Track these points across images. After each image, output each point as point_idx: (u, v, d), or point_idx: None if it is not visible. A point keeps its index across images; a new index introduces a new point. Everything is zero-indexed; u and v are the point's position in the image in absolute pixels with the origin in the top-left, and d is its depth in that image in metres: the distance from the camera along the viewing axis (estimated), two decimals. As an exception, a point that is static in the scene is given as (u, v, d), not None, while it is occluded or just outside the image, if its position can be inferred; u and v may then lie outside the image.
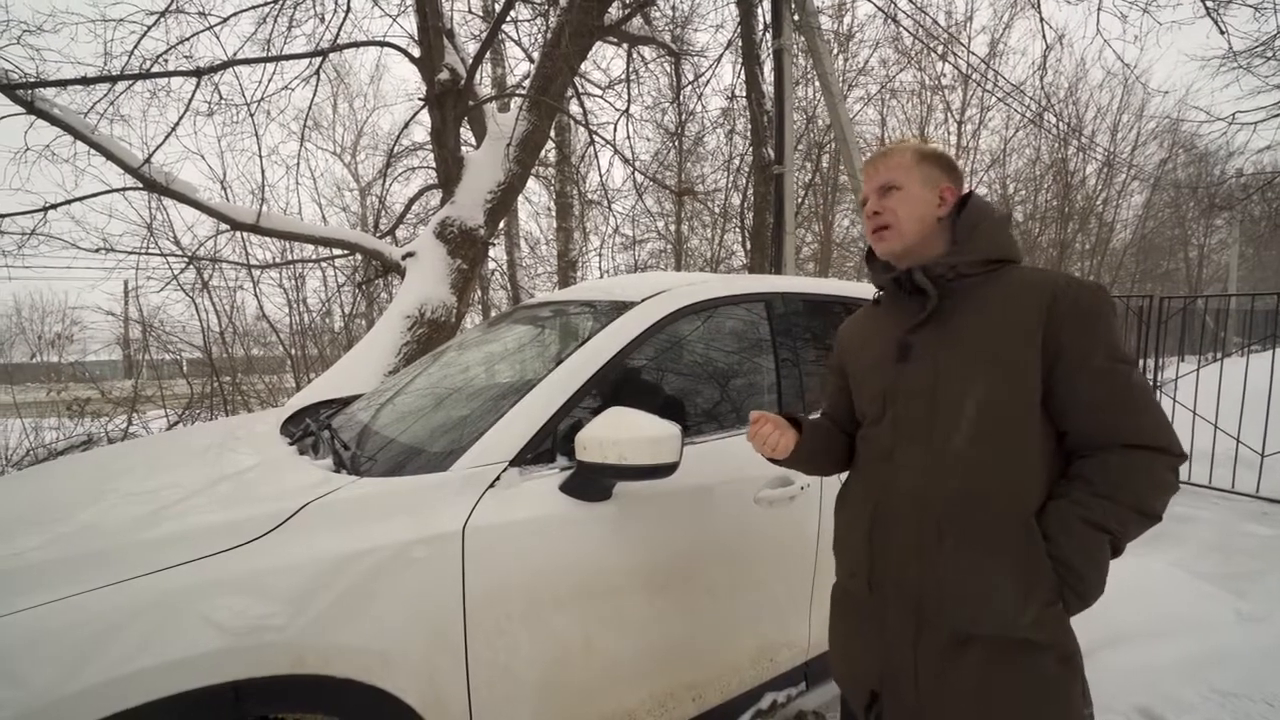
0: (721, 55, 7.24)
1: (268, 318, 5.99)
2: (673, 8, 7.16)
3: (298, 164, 5.59)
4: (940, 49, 8.00)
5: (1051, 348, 0.93)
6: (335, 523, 1.13)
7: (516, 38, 6.92)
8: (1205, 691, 2.05)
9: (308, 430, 1.74)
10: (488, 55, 5.77)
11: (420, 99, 4.78)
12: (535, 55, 7.24)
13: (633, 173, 7.01)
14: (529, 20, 6.42)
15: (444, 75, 4.50)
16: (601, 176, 6.74)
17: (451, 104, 4.64)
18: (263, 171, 4.25)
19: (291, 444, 1.59)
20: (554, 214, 9.64)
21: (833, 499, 1.69)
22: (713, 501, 1.52)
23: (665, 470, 1.25)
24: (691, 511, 1.48)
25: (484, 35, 7.87)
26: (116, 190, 4.36)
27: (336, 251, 6.44)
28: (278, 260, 6.34)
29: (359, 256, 6.12)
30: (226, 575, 1.02)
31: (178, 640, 0.95)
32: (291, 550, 1.07)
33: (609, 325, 1.57)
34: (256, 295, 5.62)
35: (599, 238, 9.07)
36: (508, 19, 5.13)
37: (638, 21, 6.25)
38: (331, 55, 5.01)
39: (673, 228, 11.24)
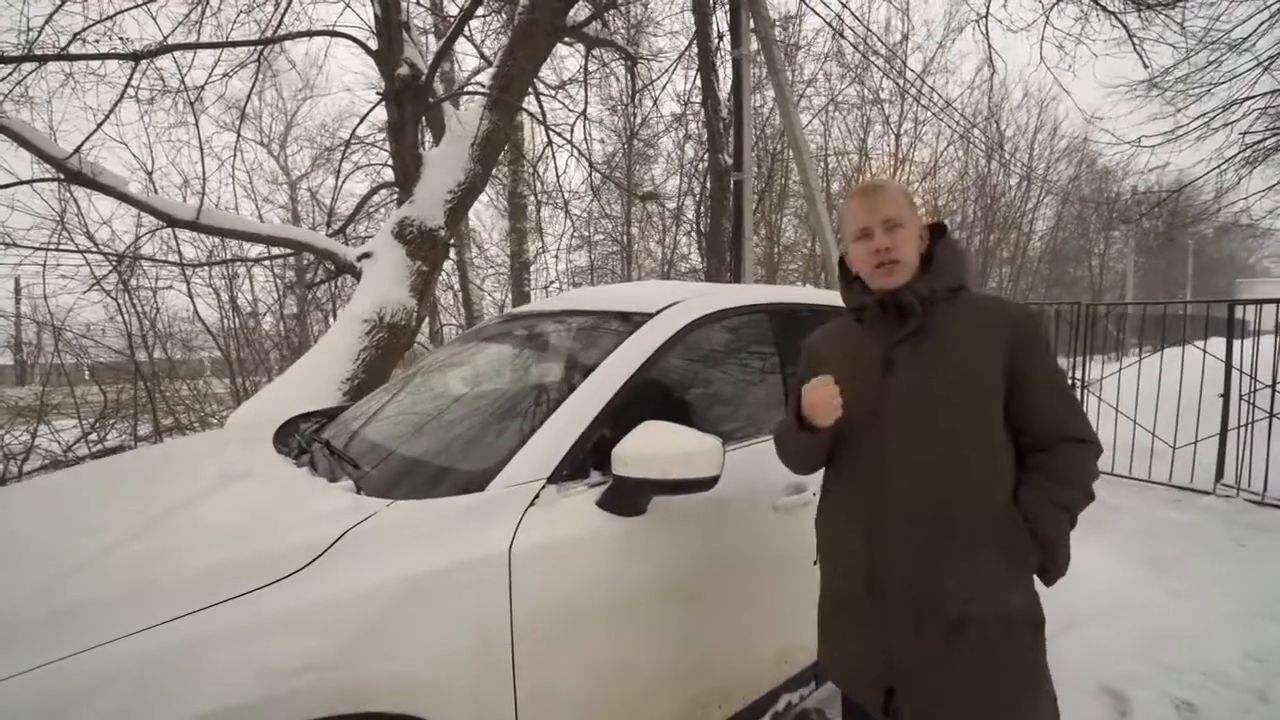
0: (677, 61, 7.32)
1: (203, 320, 5.56)
2: (626, 11, 7.18)
3: (234, 156, 5.20)
4: (882, 64, 8.43)
5: (1011, 365, 1.07)
6: (377, 550, 1.07)
7: (469, 34, 6.75)
8: (1153, 667, 2.26)
9: (304, 447, 1.64)
10: (418, 56, 5.54)
11: (378, 93, 4.57)
12: (488, 53, 7.10)
13: (590, 174, 6.99)
14: (482, 17, 6.28)
15: (403, 70, 4.33)
16: (559, 177, 6.66)
17: (411, 100, 4.47)
18: (203, 164, 3.95)
19: (298, 464, 1.49)
20: (508, 215, 9.46)
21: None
22: (739, 511, 1.54)
23: (708, 484, 1.26)
24: (721, 522, 1.50)
25: (436, 29, 7.64)
26: (28, 182, 3.95)
27: (276, 250, 6.07)
28: (211, 259, 5.88)
29: (307, 257, 5.79)
30: (269, 614, 0.95)
31: (220, 690, 0.87)
32: (336, 582, 1.01)
33: (631, 336, 1.56)
34: (190, 296, 5.20)
35: (554, 239, 8.98)
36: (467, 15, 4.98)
37: (595, 24, 6.23)
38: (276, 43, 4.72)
39: (621, 229, 11.26)
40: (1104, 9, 4.25)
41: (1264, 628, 2.51)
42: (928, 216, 1.27)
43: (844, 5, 6.39)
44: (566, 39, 6.07)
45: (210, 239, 6.88)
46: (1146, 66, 4.53)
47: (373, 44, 4.39)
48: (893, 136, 12.27)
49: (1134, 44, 4.29)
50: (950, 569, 1.06)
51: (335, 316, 7.80)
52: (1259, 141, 6.95)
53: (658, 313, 1.66)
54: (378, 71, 4.70)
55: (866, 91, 10.48)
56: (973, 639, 1.05)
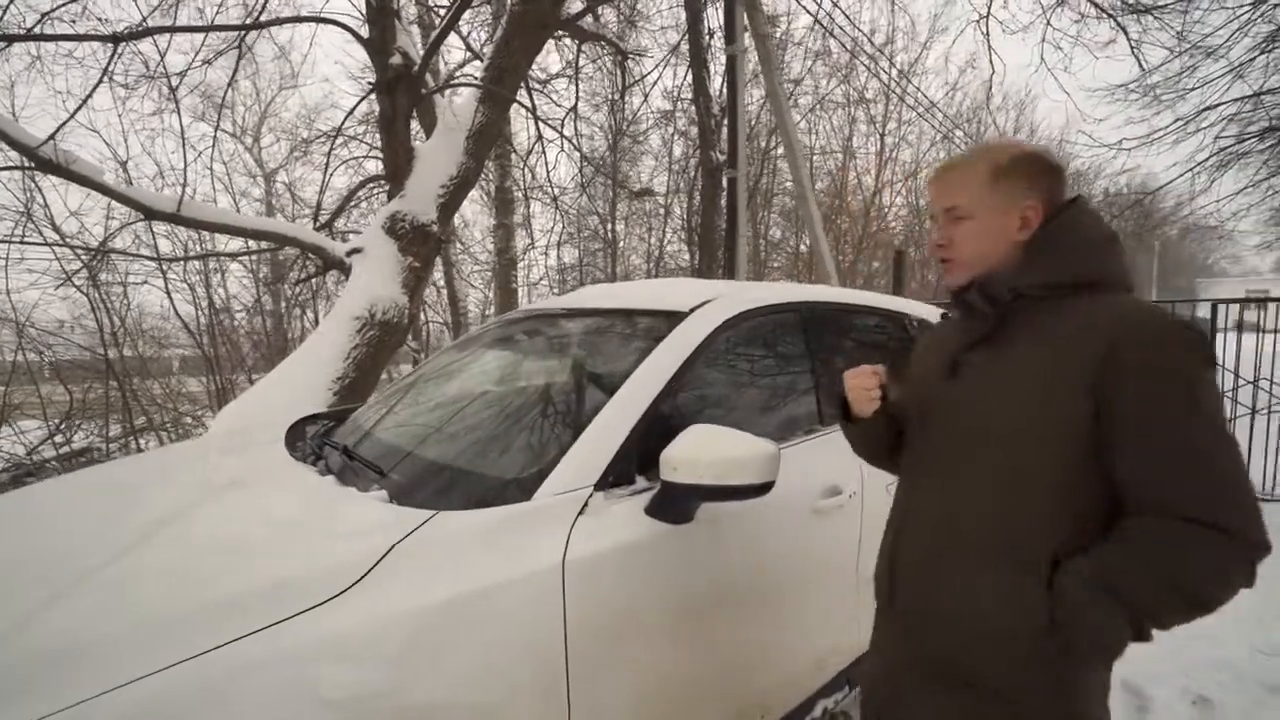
0: (669, 56, 7.27)
1: (181, 317, 5.35)
2: (618, 7, 7.10)
3: (213, 147, 5.01)
4: (869, 63, 8.50)
5: (1104, 394, 0.79)
6: (427, 565, 1.00)
7: (457, 25, 6.60)
8: (1168, 663, 2.28)
9: (320, 453, 1.55)
10: (411, 45, 5.40)
11: (369, 83, 4.43)
12: (474, 44, 6.95)
13: (581, 169, 6.90)
14: (475, 7, 6.14)
15: (396, 59, 4.20)
16: (549, 172, 6.56)
17: (404, 91, 4.33)
18: (184, 153, 3.78)
19: (321, 472, 1.40)
20: (493, 210, 9.30)
21: (873, 506, 1.74)
22: (781, 515, 1.50)
23: (763, 489, 1.22)
24: (764, 527, 1.46)
25: (421, 20, 7.46)
26: (-4, 169, 3.74)
27: (257, 245, 5.86)
28: (187, 253, 5.66)
29: (289, 252, 5.60)
30: (314, 639, 0.87)
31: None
32: (385, 602, 0.94)
33: (669, 336, 1.51)
34: (168, 292, 4.98)
35: (543, 235, 8.87)
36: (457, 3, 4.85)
37: (587, 18, 6.15)
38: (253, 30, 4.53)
39: (606, 226, 11.17)
40: (1105, 11, 4.33)
41: (1271, 623, 2.56)
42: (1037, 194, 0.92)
43: (835, 4, 6.40)
44: (560, 32, 5.97)
45: (184, 233, 6.64)
46: (1144, 69, 4.65)
47: (364, 32, 4.25)
48: (878, 136, 12.43)
49: (1131, 46, 4.39)
50: (950, 606, 0.90)
51: (317, 313, 7.60)
52: (1229, 146, 7.18)
53: (691, 311, 1.61)
54: (356, 61, 4.56)
55: (852, 91, 10.59)
56: (956, 705, 0.89)
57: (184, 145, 3.84)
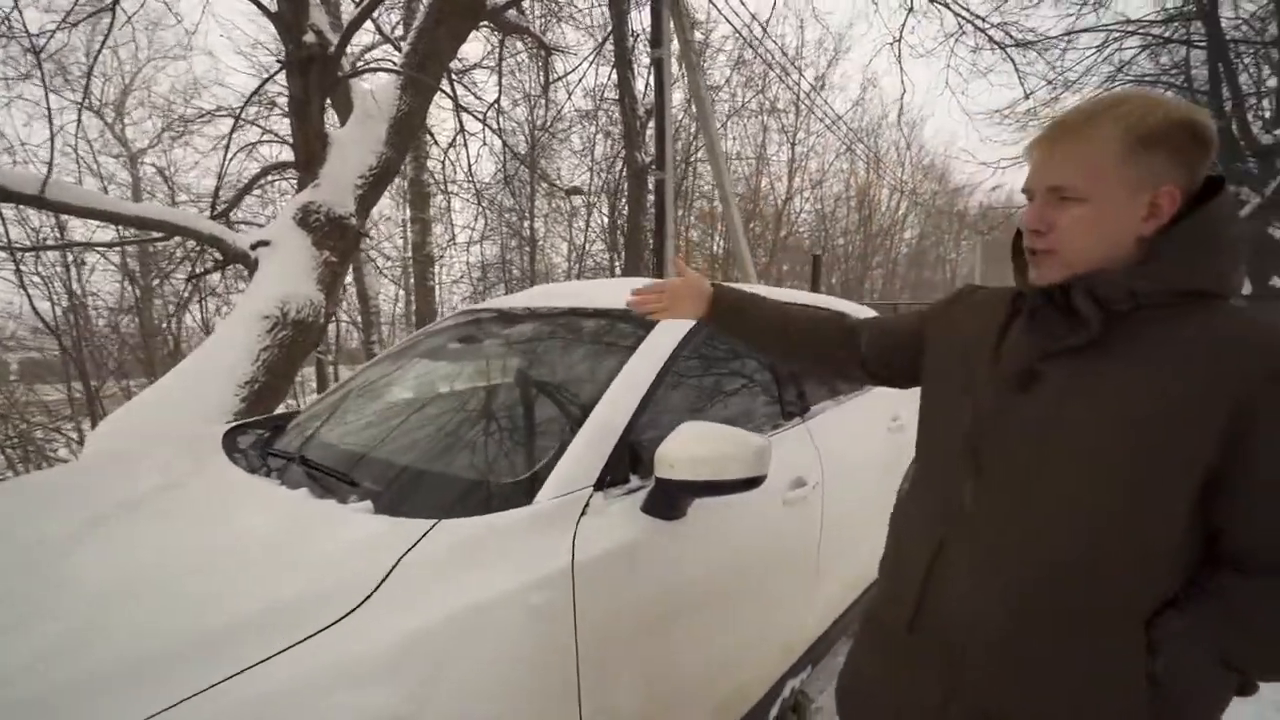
0: (595, 53, 7.25)
1: (40, 315, 4.64)
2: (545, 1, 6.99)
3: (78, 121, 4.40)
4: (781, 75, 8.94)
5: (1234, 439, 0.65)
6: (438, 577, 0.95)
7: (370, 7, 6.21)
8: None
9: (266, 463, 1.41)
10: (325, 22, 5.01)
11: (279, 60, 4.07)
12: (384, 27, 6.58)
13: (504, 164, 6.72)
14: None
15: (310, 38, 3.89)
16: (470, 166, 6.34)
17: (318, 73, 4.02)
18: (50, 125, 3.29)
19: (290, 486, 1.27)
20: (408, 204, 8.83)
21: (832, 495, 1.85)
22: (757, 507, 1.55)
23: (757, 483, 1.25)
24: (746, 520, 1.50)
25: (324, -5, 6.93)
26: None
27: (128, 234, 5.20)
28: (44, 242, 4.94)
29: (170, 243, 5.01)
30: (323, 665, 0.80)
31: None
32: (397, 619, 0.88)
33: (651, 334, 1.52)
34: (22, 285, 4.30)
35: (463, 231, 8.53)
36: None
37: (512, 11, 6.01)
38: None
39: (525, 224, 10.98)
40: (996, 44, 4.91)
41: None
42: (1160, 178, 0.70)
43: (754, 17, 6.67)
44: (485, 23, 5.79)
45: (37, 218, 5.79)
46: (1028, 96, 5.32)
47: (271, 5, 3.90)
48: (789, 145, 13.13)
49: (1019, 76, 5.03)
50: (1014, 664, 0.75)
51: (204, 312, 6.86)
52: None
53: (667, 310, 1.62)
54: (247, 35, 4.19)
55: (765, 100, 11.11)
56: None
57: (50, 118, 3.34)
